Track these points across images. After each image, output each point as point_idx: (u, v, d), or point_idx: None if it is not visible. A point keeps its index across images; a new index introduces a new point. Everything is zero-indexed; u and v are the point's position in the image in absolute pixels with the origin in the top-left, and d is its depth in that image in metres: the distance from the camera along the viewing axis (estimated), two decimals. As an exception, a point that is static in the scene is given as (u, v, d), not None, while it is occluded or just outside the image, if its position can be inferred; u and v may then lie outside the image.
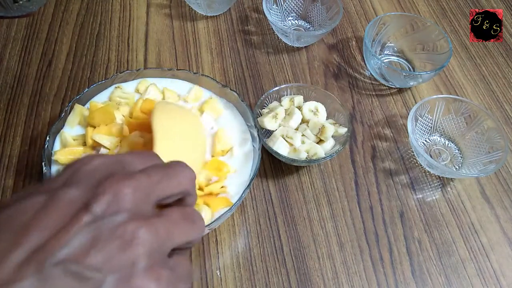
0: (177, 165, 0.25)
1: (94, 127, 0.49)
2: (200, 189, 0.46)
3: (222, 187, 0.47)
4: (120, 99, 0.53)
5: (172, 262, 0.23)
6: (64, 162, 0.47)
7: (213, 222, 0.43)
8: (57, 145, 0.49)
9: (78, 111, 0.50)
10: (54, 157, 0.47)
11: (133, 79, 0.55)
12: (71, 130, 0.50)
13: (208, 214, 0.45)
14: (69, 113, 0.50)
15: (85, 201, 0.21)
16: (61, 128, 0.50)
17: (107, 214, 0.21)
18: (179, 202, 0.26)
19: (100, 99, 0.53)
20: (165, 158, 0.28)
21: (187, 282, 0.24)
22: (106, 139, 0.48)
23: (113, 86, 0.54)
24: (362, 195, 0.55)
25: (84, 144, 0.49)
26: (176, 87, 0.55)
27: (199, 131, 0.48)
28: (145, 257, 0.21)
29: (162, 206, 0.25)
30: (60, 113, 0.50)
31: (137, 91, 0.55)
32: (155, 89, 0.54)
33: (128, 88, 0.55)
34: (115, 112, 0.50)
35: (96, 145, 0.48)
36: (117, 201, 0.21)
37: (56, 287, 0.19)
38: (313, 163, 0.54)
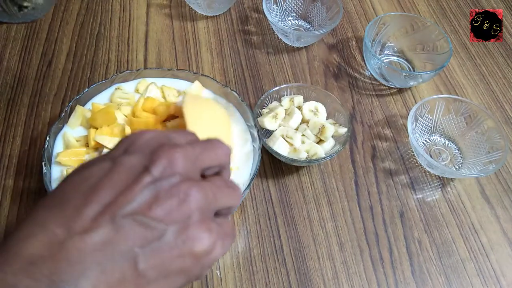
0: (214, 140, 0.29)
1: (96, 128, 0.49)
2: None
3: None
4: (120, 99, 0.53)
5: (219, 220, 0.27)
6: (68, 164, 0.47)
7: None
8: (59, 146, 0.49)
9: (80, 113, 0.50)
10: (57, 159, 0.47)
11: (133, 79, 0.55)
12: (73, 131, 0.50)
13: None
14: (69, 114, 0.50)
15: (145, 165, 0.24)
16: (61, 128, 0.50)
17: (163, 176, 0.24)
18: (217, 175, 0.29)
19: (100, 100, 0.53)
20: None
21: (232, 238, 0.27)
22: (108, 140, 0.48)
23: (113, 86, 0.54)
24: (362, 195, 0.55)
25: (87, 145, 0.49)
26: (176, 86, 0.55)
27: (225, 119, 0.50)
28: (197, 212, 0.24)
29: (203, 177, 0.28)
30: (60, 113, 0.50)
31: (136, 91, 0.55)
32: (156, 88, 0.54)
33: (128, 88, 0.55)
34: (116, 113, 0.50)
35: (99, 146, 0.48)
36: (171, 166, 0.25)
37: (128, 234, 0.22)
38: (313, 163, 0.54)
